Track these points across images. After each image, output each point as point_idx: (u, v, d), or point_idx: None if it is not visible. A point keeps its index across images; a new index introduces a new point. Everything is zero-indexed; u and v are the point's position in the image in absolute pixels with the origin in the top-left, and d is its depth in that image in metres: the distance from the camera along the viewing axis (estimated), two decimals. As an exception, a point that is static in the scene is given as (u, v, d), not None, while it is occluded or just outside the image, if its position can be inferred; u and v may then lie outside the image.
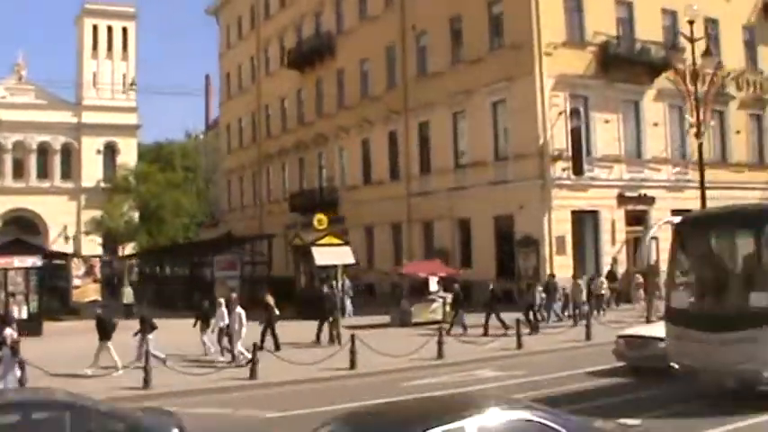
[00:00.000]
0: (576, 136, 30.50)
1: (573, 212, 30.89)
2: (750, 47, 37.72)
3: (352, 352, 18.33)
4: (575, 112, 30.72)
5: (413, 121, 36.98)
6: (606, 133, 32.11)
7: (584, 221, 31.74)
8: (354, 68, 41.12)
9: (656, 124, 33.60)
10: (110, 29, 72.07)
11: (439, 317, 26.26)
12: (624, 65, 32.34)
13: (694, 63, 28.28)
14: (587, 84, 31.87)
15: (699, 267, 13.71)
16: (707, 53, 28.71)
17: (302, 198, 44.04)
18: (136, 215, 62.88)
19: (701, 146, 26.85)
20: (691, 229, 13.99)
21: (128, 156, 69.70)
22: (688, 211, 34.73)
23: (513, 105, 31.70)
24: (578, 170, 30.45)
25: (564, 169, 30.71)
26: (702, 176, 26.69)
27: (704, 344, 12.22)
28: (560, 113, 30.83)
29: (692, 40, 27.91)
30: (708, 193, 35.07)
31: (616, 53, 32.21)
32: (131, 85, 70.00)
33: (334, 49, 42.58)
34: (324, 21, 44.13)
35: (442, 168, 35.34)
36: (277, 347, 20.99)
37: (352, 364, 18.32)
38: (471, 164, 33.78)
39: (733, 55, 36.57)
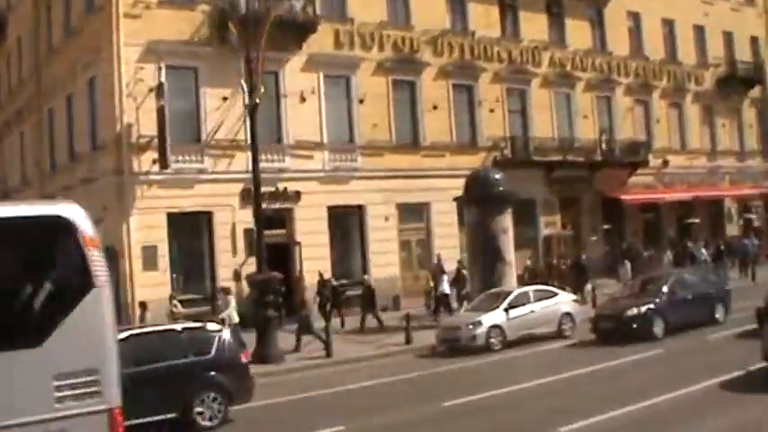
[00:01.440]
0: (161, 118, 24.10)
1: (171, 216, 24.51)
2: (456, 3, 31.28)
3: None
4: (160, 88, 24.26)
5: (45, 108, 30.52)
6: (223, 113, 25.72)
7: (194, 226, 25.51)
8: (15, 48, 34.59)
9: (303, 99, 27.27)
10: None
11: None
12: (248, 27, 25.72)
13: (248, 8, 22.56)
14: (196, 52, 25.48)
15: None
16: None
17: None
18: None
19: (253, 120, 20.51)
20: None
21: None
22: (347, 207, 28.90)
23: (100, 83, 25.38)
24: (163, 162, 24.08)
25: (155, 161, 24.38)
26: (256, 160, 20.23)
27: None
28: (151, 90, 24.47)
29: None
30: (396, 183, 29.14)
31: (233, 14, 25.67)
32: None
33: (5, 27, 35.97)
34: (3, -5, 37.43)
35: (62, 164, 28.97)
36: None
37: None
38: (77, 157, 27.46)
39: (428, 13, 30.16)
